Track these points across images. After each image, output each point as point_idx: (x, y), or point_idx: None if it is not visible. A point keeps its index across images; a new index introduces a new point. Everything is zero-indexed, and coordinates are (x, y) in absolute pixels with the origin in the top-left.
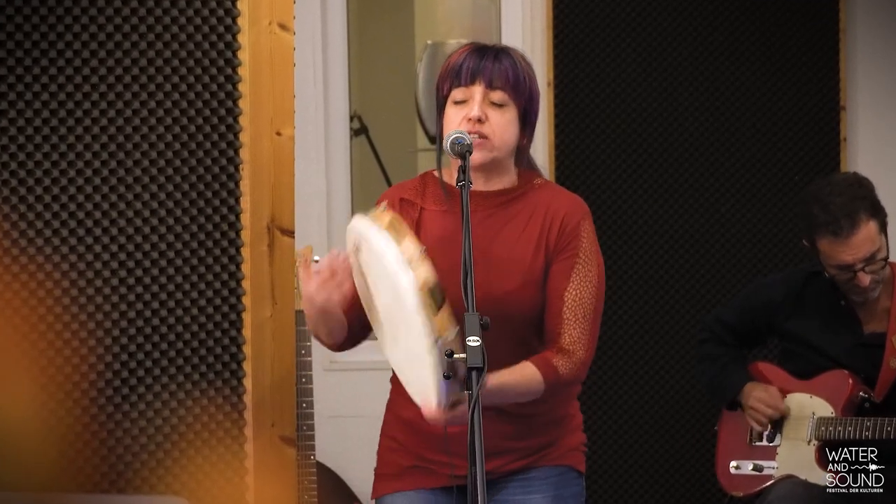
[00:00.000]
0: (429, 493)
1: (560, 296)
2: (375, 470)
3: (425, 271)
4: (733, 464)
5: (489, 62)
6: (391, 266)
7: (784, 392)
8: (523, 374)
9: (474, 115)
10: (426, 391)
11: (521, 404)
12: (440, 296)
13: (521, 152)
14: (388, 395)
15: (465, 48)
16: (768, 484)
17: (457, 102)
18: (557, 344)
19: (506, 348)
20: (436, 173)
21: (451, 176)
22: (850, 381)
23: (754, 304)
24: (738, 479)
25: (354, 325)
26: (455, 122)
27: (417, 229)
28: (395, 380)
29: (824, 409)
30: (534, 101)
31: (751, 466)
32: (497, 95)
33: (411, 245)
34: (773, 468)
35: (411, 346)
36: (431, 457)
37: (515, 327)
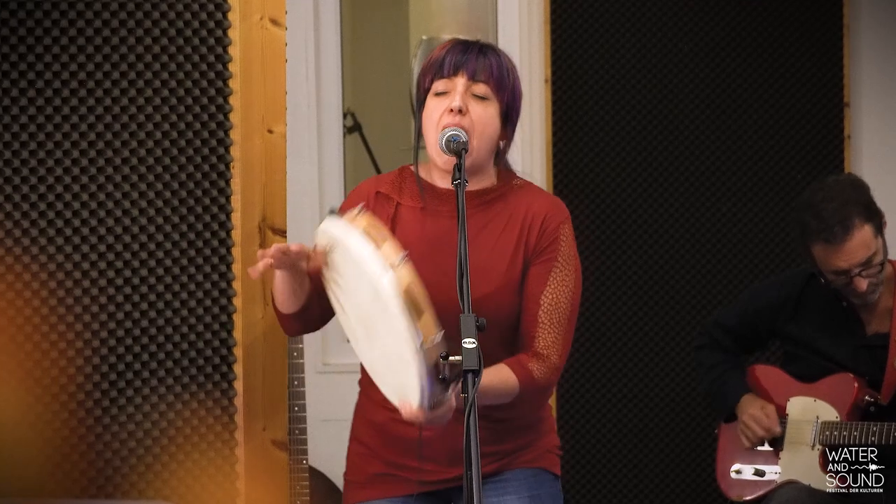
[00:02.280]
0: (399, 500)
1: (536, 299)
2: (345, 475)
3: (407, 275)
4: (734, 468)
5: (473, 55)
6: (372, 270)
7: (787, 395)
8: (500, 377)
9: (455, 106)
10: (406, 392)
11: (495, 408)
12: (423, 300)
13: (501, 152)
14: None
15: (447, 43)
16: (770, 489)
17: (438, 94)
18: (532, 348)
19: (488, 351)
20: (412, 168)
21: (427, 172)
22: (856, 384)
23: (755, 307)
24: (738, 484)
25: (313, 305)
26: (436, 115)
27: (393, 225)
28: (364, 383)
29: (829, 413)
30: (516, 100)
31: (752, 471)
32: (480, 88)
33: (391, 249)
34: (776, 473)
35: (391, 348)
36: (402, 462)
37: (494, 331)
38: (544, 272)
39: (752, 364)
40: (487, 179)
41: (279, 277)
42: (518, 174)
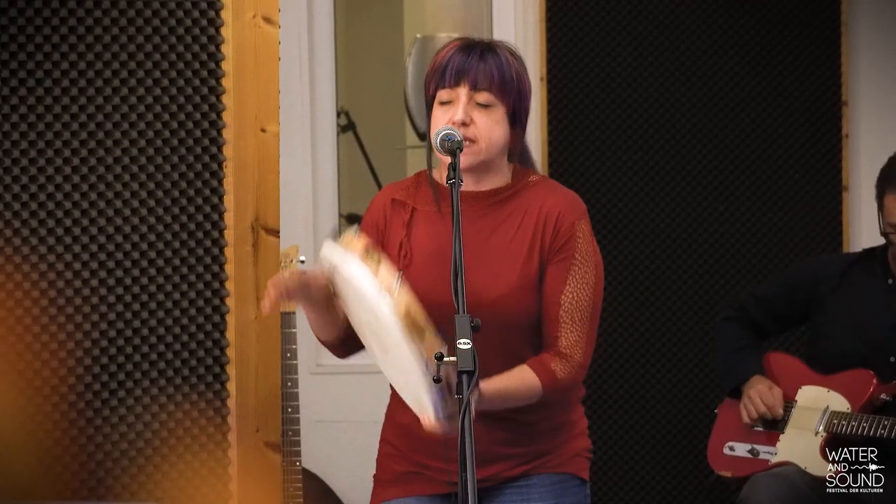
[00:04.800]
0: (426, 499)
1: (556, 300)
2: (374, 475)
3: (406, 298)
4: (729, 444)
5: (474, 61)
6: (370, 297)
7: (799, 383)
8: (521, 379)
9: (458, 119)
10: (422, 404)
11: (521, 410)
12: (423, 319)
13: (513, 150)
14: (375, 400)
15: (451, 45)
16: (755, 470)
17: (443, 103)
18: (555, 347)
19: (496, 357)
20: (427, 172)
21: (441, 176)
22: (875, 381)
23: (799, 278)
24: (728, 460)
25: (350, 329)
26: (441, 123)
27: (409, 230)
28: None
29: (840, 404)
30: (523, 99)
31: (747, 449)
32: (483, 97)
33: (388, 273)
34: (772, 454)
35: (403, 365)
36: (428, 462)
37: (508, 334)
38: (562, 272)
39: (769, 351)
40: (501, 178)
41: (304, 309)
42: (535, 169)
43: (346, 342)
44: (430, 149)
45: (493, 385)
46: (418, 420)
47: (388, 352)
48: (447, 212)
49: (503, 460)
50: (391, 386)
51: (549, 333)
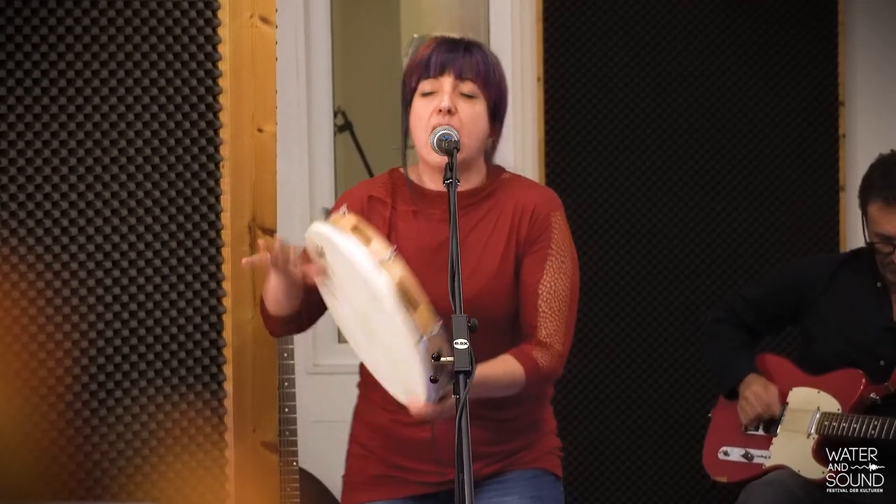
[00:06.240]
0: (399, 502)
1: (534, 290)
2: (343, 477)
3: (399, 270)
4: (723, 449)
5: (459, 54)
6: (364, 269)
7: (790, 385)
8: (505, 368)
9: (444, 106)
10: (412, 388)
11: (496, 408)
12: (416, 292)
13: (490, 149)
14: None
15: (432, 42)
16: (753, 474)
17: (425, 94)
18: (535, 337)
19: (482, 350)
20: (402, 170)
21: (417, 174)
22: (864, 380)
23: (788, 281)
24: (723, 465)
25: (303, 312)
26: (424, 115)
27: (389, 229)
28: (363, 385)
29: (831, 405)
30: (503, 96)
31: (741, 453)
32: (467, 87)
33: (380, 246)
34: (765, 458)
35: (392, 345)
36: (404, 463)
37: (490, 328)
38: (539, 261)
39: (761, 353)
40: (477, 178)
41: (273, 279)
42: (507, 168)
43: (290, 323)
44: (405, 146)
45: (477, 373)
46: (394, 420)
47: (374, 334)
48: (426, 211)
49: (480, 458)
50: (358, 386)
51: (528, 323)
